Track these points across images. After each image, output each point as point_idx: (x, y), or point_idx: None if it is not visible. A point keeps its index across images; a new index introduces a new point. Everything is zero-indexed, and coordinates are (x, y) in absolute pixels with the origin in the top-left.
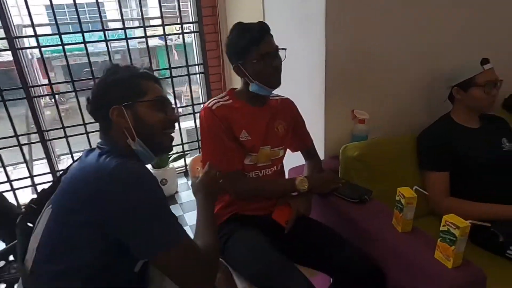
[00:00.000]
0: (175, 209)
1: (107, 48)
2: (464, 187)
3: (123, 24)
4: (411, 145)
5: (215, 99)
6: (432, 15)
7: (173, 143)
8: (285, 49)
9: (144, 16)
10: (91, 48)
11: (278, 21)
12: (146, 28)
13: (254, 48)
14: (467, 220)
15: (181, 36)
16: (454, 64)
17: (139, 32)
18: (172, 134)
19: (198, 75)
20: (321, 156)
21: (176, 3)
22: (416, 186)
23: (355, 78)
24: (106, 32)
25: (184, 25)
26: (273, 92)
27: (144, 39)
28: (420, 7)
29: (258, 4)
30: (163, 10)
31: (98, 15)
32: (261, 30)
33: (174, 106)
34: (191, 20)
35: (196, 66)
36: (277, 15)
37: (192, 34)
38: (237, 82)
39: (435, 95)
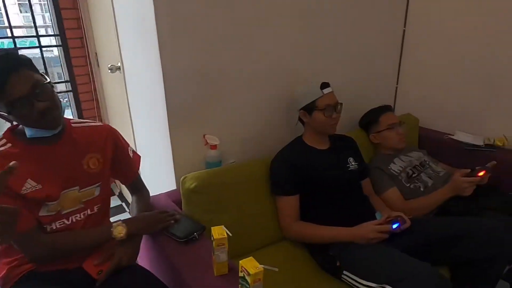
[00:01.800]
0: None
1: None
2: (314, 209)
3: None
4: (266, 169)
5: None
6: (274, 36)
7: None
8: (49, 82)
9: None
10: None
11: (128, 40)
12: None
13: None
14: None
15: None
16: (299, 86)
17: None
18: None
19: (66, 93)
20: (173, 185)
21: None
22: (223, 226)
23: (203, 102)
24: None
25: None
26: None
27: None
28: (259, 27)
29: (112, 21)
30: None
31: None
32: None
33: None
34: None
35: (63, 84)
36: (127, 35)
37: (56, 48)
38: (111, 102)
39: (293, 117)
